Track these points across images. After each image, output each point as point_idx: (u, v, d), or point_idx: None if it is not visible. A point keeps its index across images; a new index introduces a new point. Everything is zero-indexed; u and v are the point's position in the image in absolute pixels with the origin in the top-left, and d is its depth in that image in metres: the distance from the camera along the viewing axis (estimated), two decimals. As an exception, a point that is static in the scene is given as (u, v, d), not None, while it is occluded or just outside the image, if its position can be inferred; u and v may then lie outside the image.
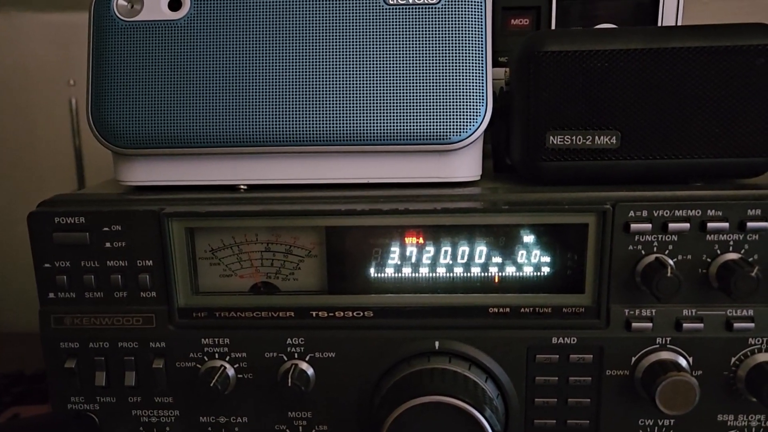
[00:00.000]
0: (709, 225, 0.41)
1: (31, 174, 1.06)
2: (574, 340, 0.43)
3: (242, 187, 0.46)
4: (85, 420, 0.46)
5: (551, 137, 0.43)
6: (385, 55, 0.43)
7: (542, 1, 0.56)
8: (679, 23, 0.58)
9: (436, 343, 0.44)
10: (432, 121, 0.43)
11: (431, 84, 0.43)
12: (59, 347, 0.45)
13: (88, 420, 0.46)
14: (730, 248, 0.41)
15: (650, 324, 0.43)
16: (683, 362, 0.43)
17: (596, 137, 0.43)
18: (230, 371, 0.45)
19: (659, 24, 0.58)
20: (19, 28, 1.02)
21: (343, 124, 0.43)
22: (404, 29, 0.43)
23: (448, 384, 0.41)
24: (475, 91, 0.43)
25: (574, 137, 0.43)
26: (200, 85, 0.44)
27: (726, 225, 0.41)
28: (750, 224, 0.41)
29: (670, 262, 0.41)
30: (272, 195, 0.45)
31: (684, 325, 0.42)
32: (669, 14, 0.58)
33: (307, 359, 0.44)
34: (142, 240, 0.44)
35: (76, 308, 0.45)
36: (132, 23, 0.44)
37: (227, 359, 0.45)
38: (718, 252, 0.42)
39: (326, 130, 0.43)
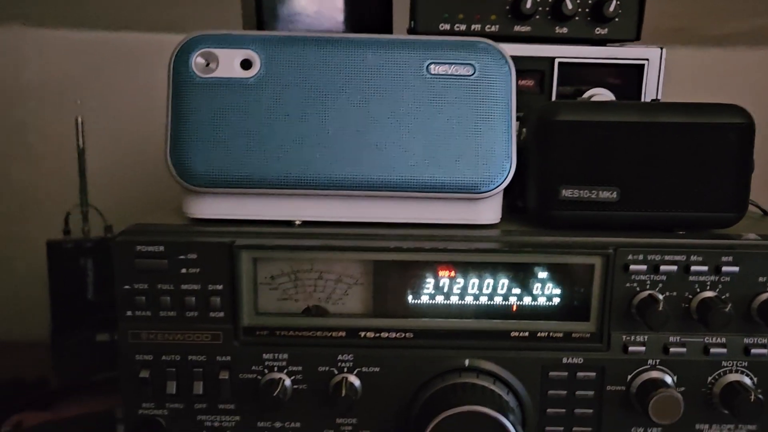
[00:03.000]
0: (692, 268, 0.50)
1: (34, 191, 1.09)
2: (580, 360, 0.51)
3: (297, 222, 0.53)
4: (152, 424, 0.52)
5: (563, 190, 0.51)
6: (427, 118, 0.51)
7: (546, 66, 0.65)
8: (661, 85, 0.68)
9: (466, 361, 0.51)
10: (466, 174, 0.51)
11: (466, 143, 0.51)
12: (135, 359, 0.51)
13: (156, 424, 0.52)
14: (708, 287, 0.50)
15: (643, 348, 0.51)
16: (669, 380, 0.51)
17: (599, 192, 0.51)
18: (287, 382, 0.51)
19: (643, 86, 0.67)
20: (27, 42, 1.04)
21: (390, 174, 0.50)
22: (444, 96, 0.51)
23: (477, 396, 0.49)
24: (503, 150, 0.51)
25: (581, 191, 0.51)
26: (265, 135, 0.50)
27: (705, 268, 0.50)
28: (724, 268, 0.50)
29: (661, 297, 0.50)
30: (326, 231, 0.52)
31: (670, 349, 0.51)
32: (652, 78, 0.67)
33: (355, 373, 0.52)
34: (213, 267, 0.50)
35: (151, 325, 0.51)
36: (207, 79, 0.51)
37: (285, 372, 0.51)
38: (698, 290, 0.50)
39: (376, 179, 0.51)
